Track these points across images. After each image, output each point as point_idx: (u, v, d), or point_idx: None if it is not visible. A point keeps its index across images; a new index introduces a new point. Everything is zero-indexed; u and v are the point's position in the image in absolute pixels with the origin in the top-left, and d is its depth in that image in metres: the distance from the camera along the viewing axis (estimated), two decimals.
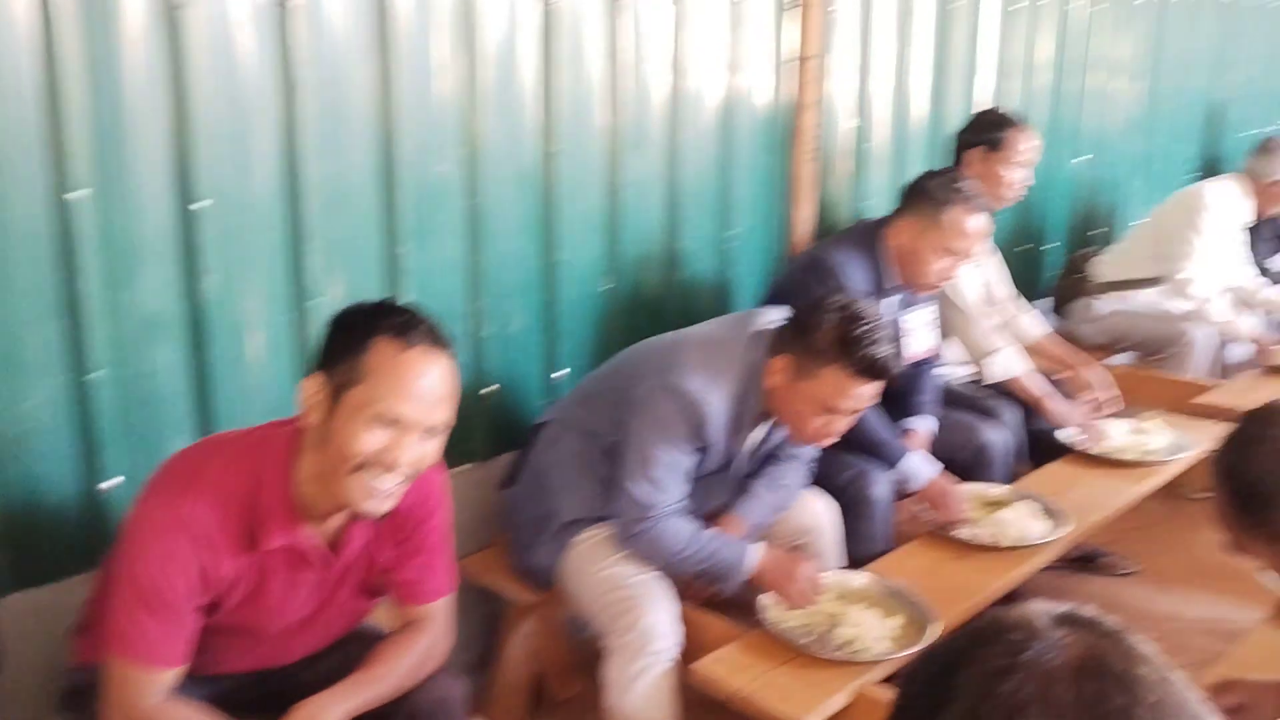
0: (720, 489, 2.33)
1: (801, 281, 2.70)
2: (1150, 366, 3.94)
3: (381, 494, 1.48)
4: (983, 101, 3.79)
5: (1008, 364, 3.09)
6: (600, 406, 2.26)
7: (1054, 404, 3.04)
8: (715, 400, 2.13)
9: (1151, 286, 3.92)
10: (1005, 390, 3.10)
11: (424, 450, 1.49)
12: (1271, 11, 5.61)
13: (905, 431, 2.75)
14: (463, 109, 2.35)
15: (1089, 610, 0.75)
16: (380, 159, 2.22)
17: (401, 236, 2.28)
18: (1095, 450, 2.94)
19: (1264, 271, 4.25)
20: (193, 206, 1.96)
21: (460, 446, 2.37)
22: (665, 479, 2.11)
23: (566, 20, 2.49)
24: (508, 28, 2.39)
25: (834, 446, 2.63)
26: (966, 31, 3.66)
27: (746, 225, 3.06)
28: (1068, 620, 0.73)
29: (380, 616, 1.84)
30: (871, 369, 2.04)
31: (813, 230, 3.19)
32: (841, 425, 2.14)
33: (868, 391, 2.09)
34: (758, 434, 2.30)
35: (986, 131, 3.17)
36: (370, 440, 1.44)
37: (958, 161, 3.21)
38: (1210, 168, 5.35)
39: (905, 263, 2.68)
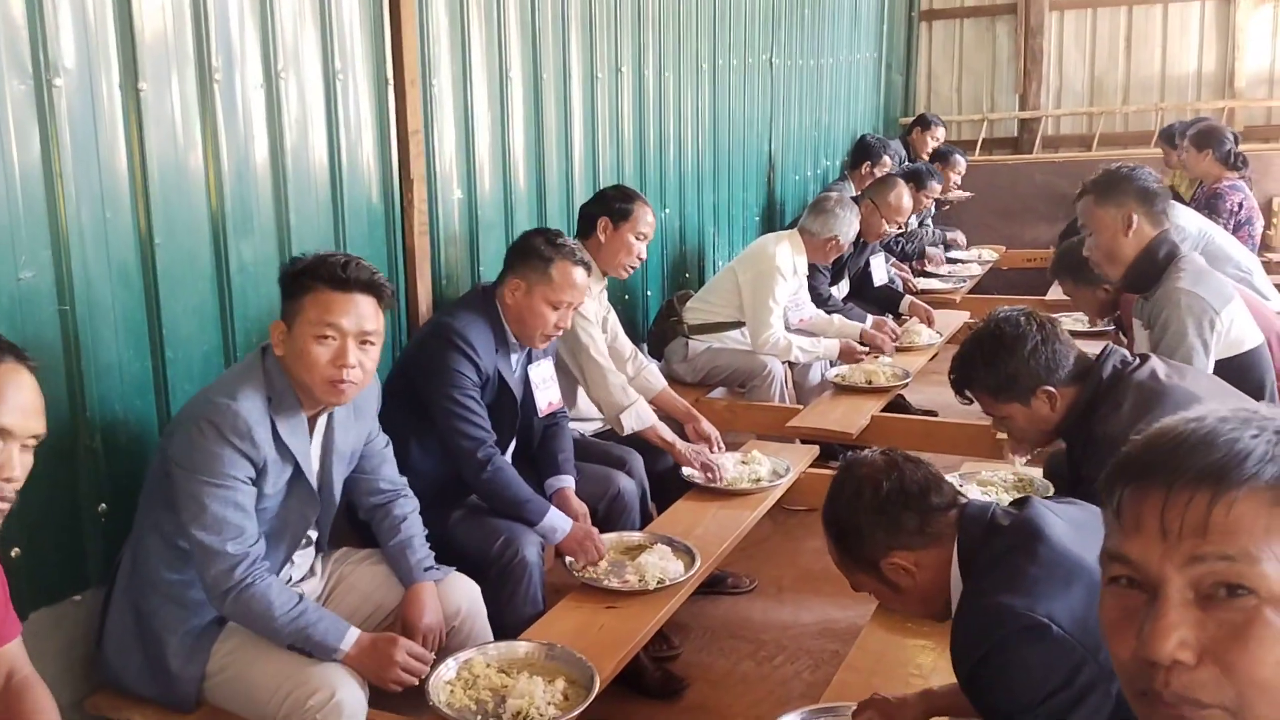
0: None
1: (428, 350, 2.74)
2: (740, 396, 4.38)
3: None
4: (579, 164, 4.04)
5: (642, 415, 3.29)
6: (164, 491, 2.07)
7: (682, 448, 3.29)
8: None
9: (736, 329, 4.35)
10: (638, 439, 3.29)
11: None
12: (805, 70, 6.47)
13: (556, 491, 2.85)
14: (44, 205, 2.13)
15: None
16: None
17: None
18: (715, 484, 3.22)
19: (823, 302, 4.85)
20: None
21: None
22: (222, 515, 1.98)
23: (154, 104, 2.34)
24: (89, 114, 2.20)
25: (480, 513, 2.71)
26: (557, 100, 3.87)
27: None
28: None
29: None
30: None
31: (432, 301, 3.22)
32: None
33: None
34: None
35: (615, 204, 3.40)
36: None
37: (587, 232, 3.41)
38: (770, 211, 6.06)
39: (520, 319, 2.80)
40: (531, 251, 2.81)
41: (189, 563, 2.05)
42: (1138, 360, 2.25)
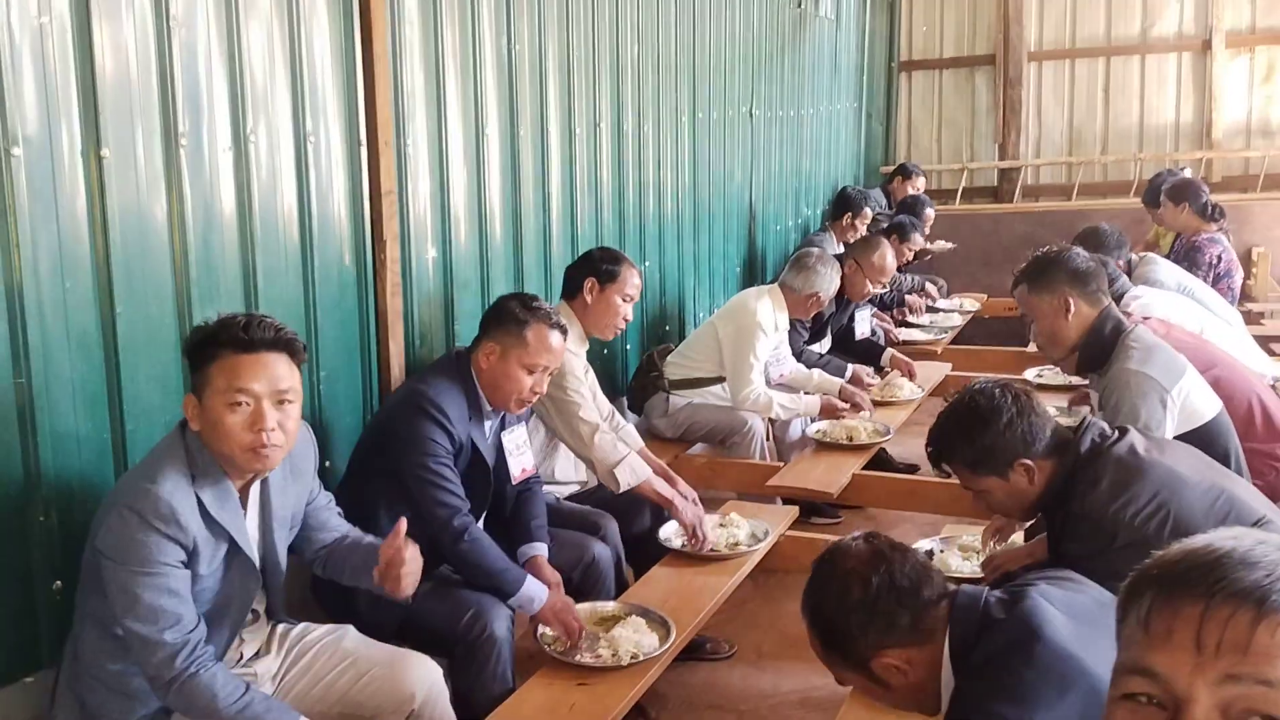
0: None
1: (400, 417, 2.68)
2: (721, 453, 4.32)
3: None
4: (556, 219, 4.01)
5: (636, 469, 3.20)
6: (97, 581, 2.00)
7: (681, 506, 3.19)
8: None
9: (717, 384, 4.31)
10: (627, 497, 3.21)
11: None
12: (785, 121, 6.50)
13: (529, 559, 2.79)
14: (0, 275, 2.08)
15: None
16: None
17: None
18: (692, 549, 3.16)
19: (799, 356, 4.82)
20: None
21: None
22: (156, 604, 1.91)
23: (116, 170, 2.29)
24: (49, 181, 2.16)
25: (447, 586, 2.64)
26: (535, 157, 3.85)
27: (337, 364, 2.97)
28: None
29: None
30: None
31: (405, 363, 3.17)
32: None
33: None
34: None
35: (602, 265, 3.38)
36: None
37: (573, 293, 3.38)
38: (751, 262, 6.05)
39: (495, 384, 2.74)
40: (506, 315, 2.76)
41: (130, 651, 1.96)
42: (1116, 434, 2.22)
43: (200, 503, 1.98)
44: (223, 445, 1.97)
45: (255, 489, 2.14)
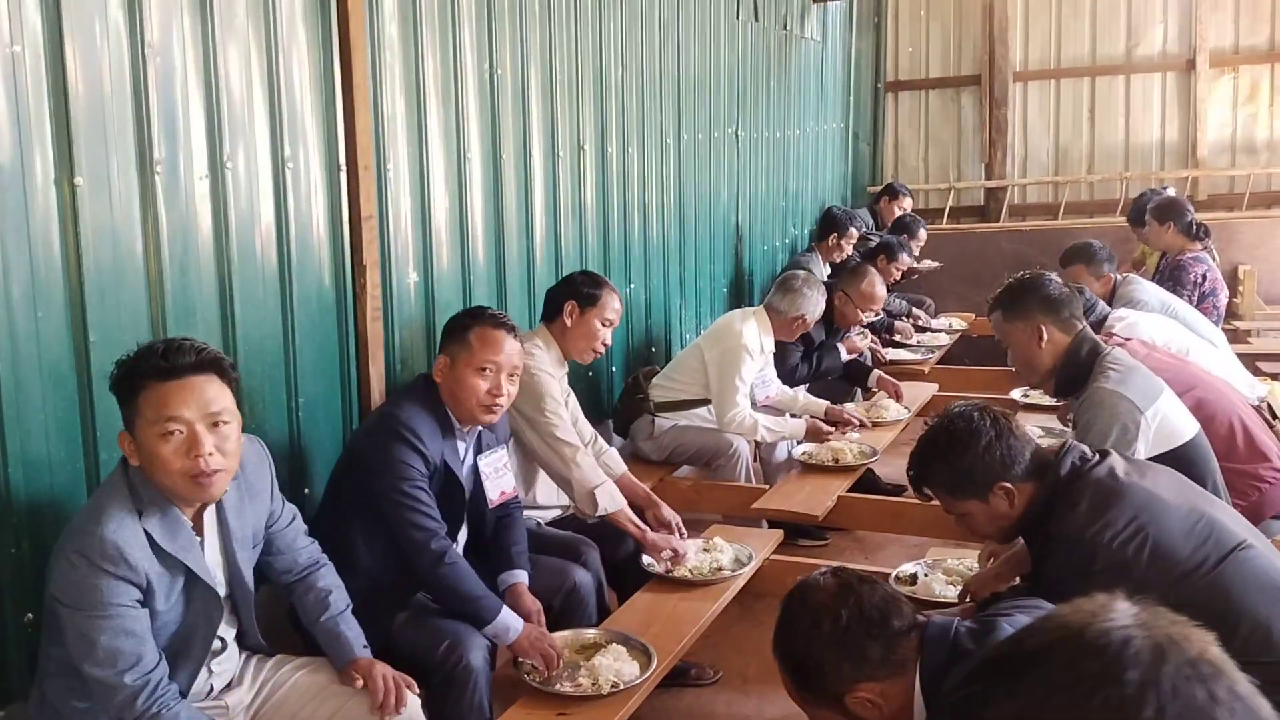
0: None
1: (373, 441, 2.67)
2: (707, 475, 4.31)
3: None
4: (540, 242, 4.00)
5: (614, 496, 3.19)
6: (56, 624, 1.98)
7: (653, 537, 3.18)
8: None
9: (702, 406, 4.30)
10: (603, 525, 3.19)
11: None
12: (771, 142, 6.51)
13: (509, 587, 2.76)
14: None
15: None
16: None
17: None
18: (675, 573, 3.13)
19: (790, 376, 4.82)
20: None
21: None
22: (113, 647, 1.88)
23: (90, 198, 2.27)
24: (20, 210, 2.14)
25: (424, 615, 2.61)
26: (518, 180, 3.85)
27: (317, 390, 2.95)
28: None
29: None
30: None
31: (386, 388, 3.15)
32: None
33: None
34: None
35: (583, 288, 3.38)
36: None
37: (553, 315, 3.39)
38: (738, 282, 6.05)
39: (452, 395, 2.73)
40: (453, 325, 2.80)
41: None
42: (1097, 457, 2.21)
43: (150, 538, 1.94)
44: (163, 478, 1.94)
45: (210, 514, 2.10)
